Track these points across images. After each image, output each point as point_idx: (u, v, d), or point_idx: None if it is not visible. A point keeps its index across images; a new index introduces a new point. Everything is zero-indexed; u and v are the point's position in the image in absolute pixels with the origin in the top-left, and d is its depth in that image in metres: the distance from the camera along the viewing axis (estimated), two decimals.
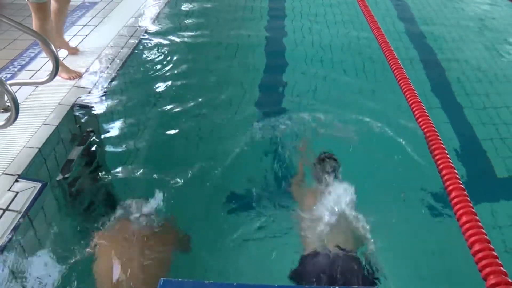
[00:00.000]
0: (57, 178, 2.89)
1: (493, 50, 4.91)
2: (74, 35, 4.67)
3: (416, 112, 3.35)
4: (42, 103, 3.40)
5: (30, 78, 3.80)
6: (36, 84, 3.54)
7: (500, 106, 3.88)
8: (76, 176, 2.94)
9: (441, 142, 2.95)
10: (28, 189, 2.58)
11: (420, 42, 4.97)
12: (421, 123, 3.22)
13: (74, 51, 4.23)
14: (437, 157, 2.86)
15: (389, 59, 4.13)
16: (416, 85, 3.63)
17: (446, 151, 2.87)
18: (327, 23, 5.15)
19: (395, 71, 3.94)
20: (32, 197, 2.53)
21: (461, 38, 5.08)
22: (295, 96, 3.90)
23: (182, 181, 2.86)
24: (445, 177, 2.69)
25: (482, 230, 2.29)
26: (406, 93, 3.64)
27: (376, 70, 4.26)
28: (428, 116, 3.25)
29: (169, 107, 3.57)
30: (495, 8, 6.02)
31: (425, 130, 3.12)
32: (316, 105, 3.65)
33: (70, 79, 3.77)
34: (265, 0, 5.91)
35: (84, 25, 4.92)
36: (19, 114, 2.56)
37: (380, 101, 3.80)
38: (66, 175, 2.92)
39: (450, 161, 2.79)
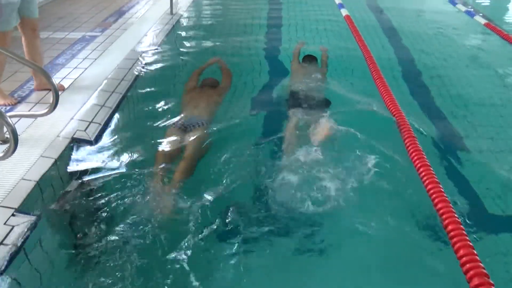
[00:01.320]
0: (54, 211, 2.87)
1: (488, 83, 5.05)
2: (74, 68, 4.72)
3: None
4: (41, 135, 3.41)
5: (29, 110, 3.82)
6: (35, 116, 3.55)
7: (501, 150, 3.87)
8: (74, 208, 2.91)
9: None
10: (24, 222, 2.55)
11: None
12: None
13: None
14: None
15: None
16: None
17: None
18: None
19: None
20: (28, 230, 2.50)
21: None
22: None
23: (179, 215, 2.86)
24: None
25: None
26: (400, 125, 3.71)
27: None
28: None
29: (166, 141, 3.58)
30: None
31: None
32: None
33: (5, 105, 3.79)
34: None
35: (84, 58, 4.99)
36: (18, 146, 2.56)
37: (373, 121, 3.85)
38: (63, 208, 2.89)
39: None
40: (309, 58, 4.87)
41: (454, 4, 8.48)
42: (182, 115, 3.81)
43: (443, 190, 2.92)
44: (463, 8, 8.13)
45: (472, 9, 8.06)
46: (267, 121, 4.05)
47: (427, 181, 3.04)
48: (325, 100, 4.11)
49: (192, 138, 3.47)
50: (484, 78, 5.24)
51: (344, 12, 7.13)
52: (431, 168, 3.16)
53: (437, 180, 3.02)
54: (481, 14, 7.66)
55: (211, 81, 4.37)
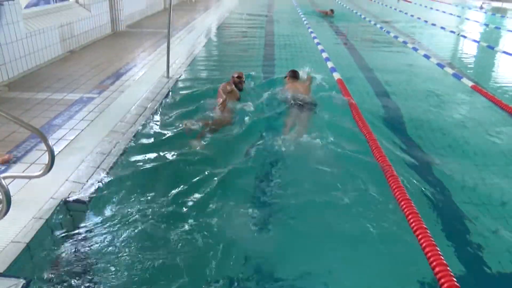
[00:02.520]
0: (44, 274, 2.81)
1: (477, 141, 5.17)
2: (71, 129, 4.78)
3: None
4: (34, 197, 3.40)
5: (25, 170, 3.83)
6: (30, 177, 3.56)
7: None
8: (64, 271, 2.85)
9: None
10: (11, 286, 2.49)
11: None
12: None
13: None
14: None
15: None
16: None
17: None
18: None
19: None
20: None
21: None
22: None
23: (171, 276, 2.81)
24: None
25: None
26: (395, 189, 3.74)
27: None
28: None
29: (161, 204, 3.56)
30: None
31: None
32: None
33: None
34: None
35: (81, 120, 5.06)
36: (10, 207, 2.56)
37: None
38: (53, 271, 2.84)
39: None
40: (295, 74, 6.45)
41: (441, 67, 8.79)
42: None
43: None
44: (451, 71, 8.42)
45: (459, 72, 8.34)
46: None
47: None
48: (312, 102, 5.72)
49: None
50: (472, 136, 5.36)
51: (336, 75, 7.35)
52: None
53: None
54: (467, 77, 7.95)
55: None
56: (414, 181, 4.12)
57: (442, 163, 4.63)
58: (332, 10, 16.02)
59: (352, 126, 5.27)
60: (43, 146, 3.71)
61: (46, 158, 3.05)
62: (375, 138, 4.78)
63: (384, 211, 3.60)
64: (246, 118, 5.32)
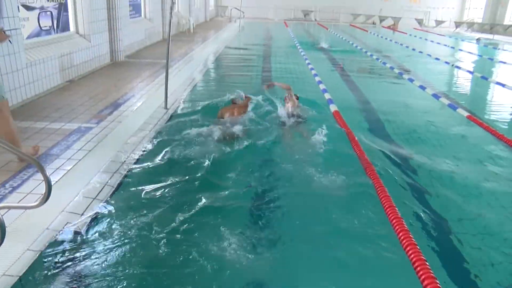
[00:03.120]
0: None
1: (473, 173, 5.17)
2: (68, 159, 4.78)
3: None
4: (29, 227, 3.37)
5: (20, 200, 3.81)
6: (26, 208, 3.53)
7: None
8: None
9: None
10: None
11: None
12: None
13: None
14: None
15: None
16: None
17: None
18: None
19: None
20: None
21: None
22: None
23: None
24: None
25: None
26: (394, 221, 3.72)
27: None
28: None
29: (157, 236, 3.53)
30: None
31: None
32: None
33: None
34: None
35: (79, 149, 5.07)
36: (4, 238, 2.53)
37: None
38: None
39: None
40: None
41: (437, 98, 8.90)
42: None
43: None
44: (446, 102, 8.51)
45: (454, 103, 8.44)
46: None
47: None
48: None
49: None
50: (468, 166, 5.38)
51: (333, 108, 7.41)
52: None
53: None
54: (463, 107, 8.04)
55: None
56: (412, 211, 4.12)
57: (438, 192, 4.64)
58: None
59: (349, 157, 5.28)
60: (40, 175, 3.70)
61: (42, 188, 3.02)
62: (373, 168, 4.79)
63: (385, 247, 3.57)
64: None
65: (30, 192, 3.98)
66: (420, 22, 29.97)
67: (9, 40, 5.05)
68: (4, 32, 4.73)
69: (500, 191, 4.80)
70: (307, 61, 12.64)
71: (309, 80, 10.15)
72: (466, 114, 7.57)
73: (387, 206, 3.98)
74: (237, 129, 5.94)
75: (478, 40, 21.90)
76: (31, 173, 4.34)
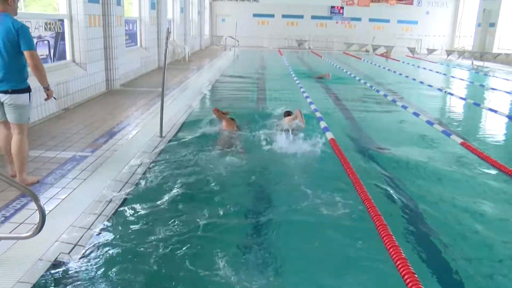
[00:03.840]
0: None
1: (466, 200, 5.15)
2: (63, 188, 4.75)
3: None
4: (21, 258, 3.32)
5: (13, 230, 3.76)
6: (18, 238, 3.49)
7: None
8: None
9: None
10: None
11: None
12: None
13: None
14: None
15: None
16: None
17: None
18: None
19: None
20: None
21: None
22: None
23: None
24: None
25: None
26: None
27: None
28: None
29: (153, 266, 3.47)
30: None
31: None
32: None
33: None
34: None
35: (73, 178, 5.04)
36: None
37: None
38: None
39: None
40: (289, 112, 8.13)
41: (431, 124, 8.97)
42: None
43: None
44: (440, 128, 8.58)
45: (448, 130, 8.51)
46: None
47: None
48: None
49: None
50: (464, 193, 5.39)
51: (329, 135, 7.44)
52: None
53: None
54: (456, 134, 8.10)
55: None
56: (406, 239, 4.10)
57: (433, 218, 4.64)
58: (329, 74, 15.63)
59: (344, 184, 5.29)
60: (33, 205, 3.67)
61: (36, 218, 3.00)
62: (369, 197, 4.79)
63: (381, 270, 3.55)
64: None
65: (23, 222, 3.93)
66: (412, 50, 30.47)
67: (54, 97, 5.17)
68: (48, 89, 4.89)
69: (498, 219, 4.79)
70: (302, 89, 12.75)
71: (304, 107, 10.21)
72: (460, 140, 7.62)
73: (384, 235, 3.96)
74: (235, 142, 6.72)
75: (474, 67, 22.10)
76: (24, 202, 4.30)
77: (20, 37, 4.32)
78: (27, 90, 4.68)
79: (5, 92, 4.48)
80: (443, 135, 8.20)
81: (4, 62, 4.39)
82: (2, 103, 4.56)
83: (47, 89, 4.87)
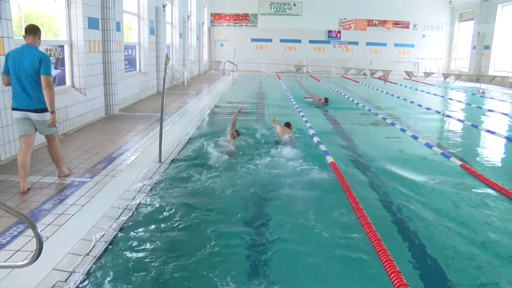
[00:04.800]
0: None
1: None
2: (61, 214, 4.71)
3: None
4: (17, 286, 3.26)
5: (9, 258, 3.71)
6: (14, 267, 3.43)
7: None
8: None
9: None
10: None
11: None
12: None
13: None
14: None
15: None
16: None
17: None
18: None
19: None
20: None
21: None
22: None
23: None
24: None
25: None
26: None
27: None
28: None
29: None
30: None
31: None
32: None
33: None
34: None
35: (72, 204, 5.01)
36: None
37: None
38: None
39: None
40: (286, 124, 9.32)
41: (430, 147, 8.97)
42: None
43: None
44: (439, 150, 8.58)
45: (447, 152, 8.51)
46: None
47: None
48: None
49: None
50: (465, 215, 5.36)
51: (329, 159, 7.43)
52: None
53: None
54: (456, 156, 8.11)
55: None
56: (408, 262, 4.06)
57: (434, 242, 4.61)
58: (326, 99, 15.10)
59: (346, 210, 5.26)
60: (30, 232, 3.64)
61: (33, 245, 2.96)
62: (369, 222, 4.75)
63: None
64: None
65: (19, 249, 3.89)
66: (409, 74, 30.73)
67: (55, 126, 5.78)
68: (52, 114, 5.47)
69: (496, 240, 4.75)
70: (301, 113, 12.80)
71: (303, 132, 10.24)
72: (459, 163, 7.61)
73: (383, 259, 3.92)
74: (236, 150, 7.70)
75: (482, 91, 21.97)
76: (21, 229, 4.27)
77: (41, 64, 5.22)
78: None
79: (35, 111, 5.36)
80: (442, 157, 8.20)
81: (32, 86, 5.27)
82: (27, 119, 5.40)
83: (51, 112, 5.41)
